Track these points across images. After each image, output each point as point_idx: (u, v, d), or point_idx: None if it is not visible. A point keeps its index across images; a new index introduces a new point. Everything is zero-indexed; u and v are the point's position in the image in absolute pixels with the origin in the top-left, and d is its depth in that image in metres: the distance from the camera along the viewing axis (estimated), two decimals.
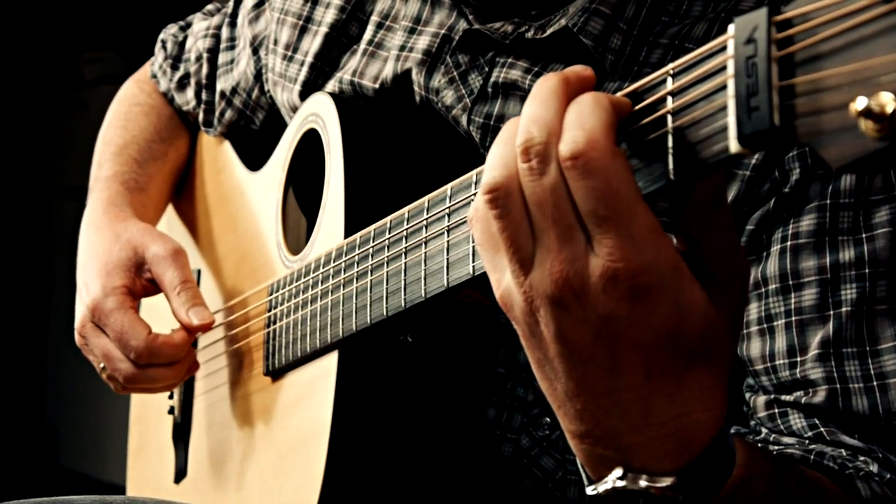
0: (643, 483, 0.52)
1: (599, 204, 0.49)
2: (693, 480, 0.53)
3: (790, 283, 0.75)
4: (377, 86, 0.94)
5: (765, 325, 0.76)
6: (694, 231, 0.53)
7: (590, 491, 0.55)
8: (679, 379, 0.51)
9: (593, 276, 0.50)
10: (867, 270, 0.72)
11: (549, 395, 0.55)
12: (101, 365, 0.99)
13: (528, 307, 0.52)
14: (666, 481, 0.52)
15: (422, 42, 0.92)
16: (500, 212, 0.52)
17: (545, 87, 0.52)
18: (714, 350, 0.52)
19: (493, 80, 0.87)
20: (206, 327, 0.97)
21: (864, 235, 0.73)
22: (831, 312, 0.73)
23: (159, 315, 1.04)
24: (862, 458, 0.72)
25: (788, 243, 0.75)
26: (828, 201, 0.73)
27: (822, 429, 0.73)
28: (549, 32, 0.83)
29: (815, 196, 0.74)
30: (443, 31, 0.90)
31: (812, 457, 0.71)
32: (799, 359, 0.74)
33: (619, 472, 0.53)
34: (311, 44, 1.01)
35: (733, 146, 0.49)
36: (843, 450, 0.72)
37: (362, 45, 0.97)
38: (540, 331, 0.52)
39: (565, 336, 0.51)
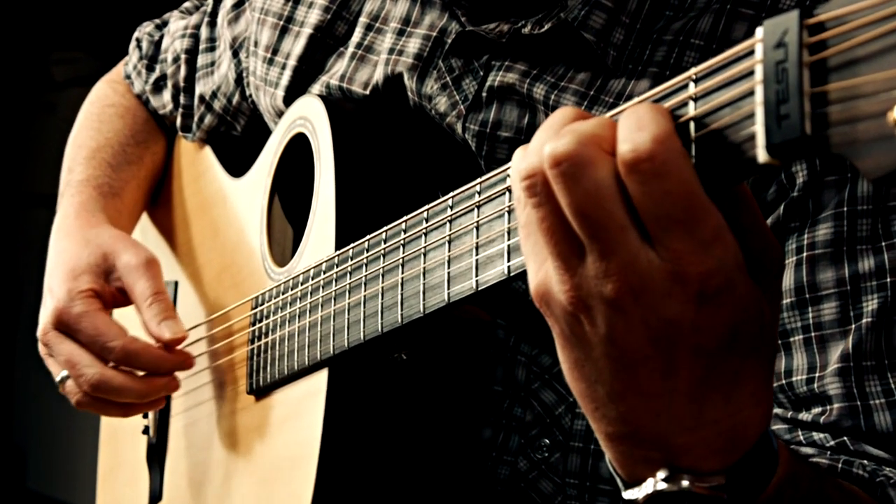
0: (685, 483, 0.51)
1: (673, 208, 0.47)
2: (741, 479, 0.52)
3: (807, 296, 0.72)
4: (367, 92, 0.91)
5: (779, 342, 0.73)
6: (743, 220, 0.51)
7: (628, 495, 0.53)
8: (735, 377, 0.50)
9: (657, 279, 0.48)
10: (889, 279, 0.69)
11: (584, 397, 0.53)
12: (61, 375, 0.95)
13: (570, 306, 0.50)
14: (715, 480, 0.51)
15: (412, 45, 0.88)
16: (538, 200, 0.50)
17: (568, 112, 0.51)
18: (766, 343, 0.51)
19: (488, 84, 0.83)
20: (178, 341, 0.93)
21: (884, 244, 0.70)
22: (852, 326, 0.70)
23: (129, 329, 1.00)
24: (889, 469, 0.69)
25: (805, 254, 0.72)
26: (845, 209, 0.71)
27: (844, 438, 0.71)
28: (547, 27, 0.80)
29: (829, 203, 0.71)
30: (434, 34, 0.87)
31: (840, 465, 0.69)
32: (817, 374, 0.71)
33: (663, 473, 0.52)
34: (294, 46, 0.97)
35: (762, 156, 0.47)
36: (866, 460, 0.70)
37: (350, 49, 0.94)
38: (583, 330, 0.51)
39: (617, 337, 0.49)
